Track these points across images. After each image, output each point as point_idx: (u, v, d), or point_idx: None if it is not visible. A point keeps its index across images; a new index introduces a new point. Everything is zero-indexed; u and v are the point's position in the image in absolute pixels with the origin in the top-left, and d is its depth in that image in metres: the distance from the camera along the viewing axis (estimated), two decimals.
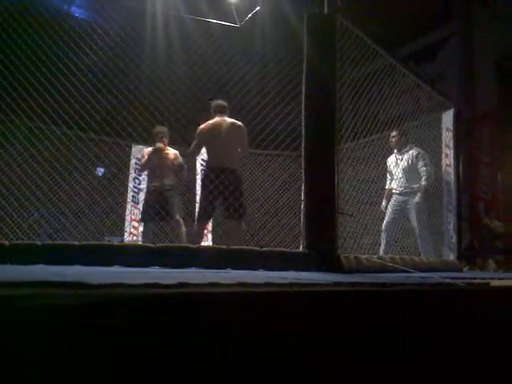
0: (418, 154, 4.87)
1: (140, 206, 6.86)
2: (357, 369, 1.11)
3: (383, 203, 5.06)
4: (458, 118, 5.03)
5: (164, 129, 5.21)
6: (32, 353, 0.71)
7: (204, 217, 4.42)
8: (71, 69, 3.75)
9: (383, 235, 4.90)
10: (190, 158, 5.75)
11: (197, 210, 4.56)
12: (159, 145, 5.13)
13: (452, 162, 4.94)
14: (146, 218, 5.19)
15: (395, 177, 5.01)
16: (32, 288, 0.85)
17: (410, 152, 4.91)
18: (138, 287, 0.89)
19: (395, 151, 5.04)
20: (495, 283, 1.85)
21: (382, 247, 4.82)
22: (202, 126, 4.45)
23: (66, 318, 0.74)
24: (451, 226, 4.83)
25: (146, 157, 5.23)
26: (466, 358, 1.33)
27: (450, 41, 12.35)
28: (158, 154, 5.12)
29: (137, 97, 4.12)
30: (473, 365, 1.35)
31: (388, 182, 5.16)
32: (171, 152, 5.26)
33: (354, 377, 1.10)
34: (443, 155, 4.97)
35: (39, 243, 2.57)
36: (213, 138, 4.28)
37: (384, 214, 5.03)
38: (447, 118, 5.01)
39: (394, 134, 4.95)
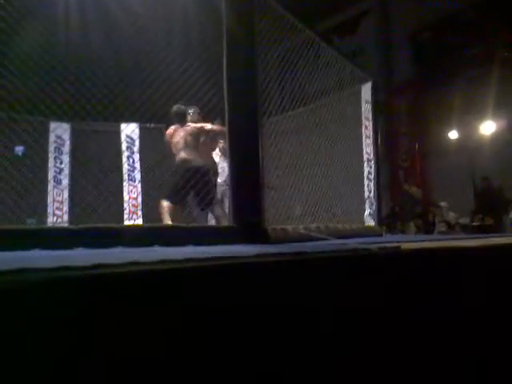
0: None
1: (62, 186, 6.58)
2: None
3: None
4: (376, 90, 5.23)
5: None
6: None
7: None
8: None
9: None
10: None
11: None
12: None
13: (371, 133, 5.15)
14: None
15: None
16: None
17: None
18: (46, 271, 0.86)
19: None
20: (406, 246, 1.99)
21: None
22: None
23: None
24: (372, 194, 5.09)
25: None
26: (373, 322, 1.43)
27: (369, 14, 12.72)
28: None
29: (50, 71, 3.88)
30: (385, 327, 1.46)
31: None
32: None
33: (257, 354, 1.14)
34: (363, 127, 5.17)
35: None
36: None
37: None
38: (366, 91, 5.20)
39: None
